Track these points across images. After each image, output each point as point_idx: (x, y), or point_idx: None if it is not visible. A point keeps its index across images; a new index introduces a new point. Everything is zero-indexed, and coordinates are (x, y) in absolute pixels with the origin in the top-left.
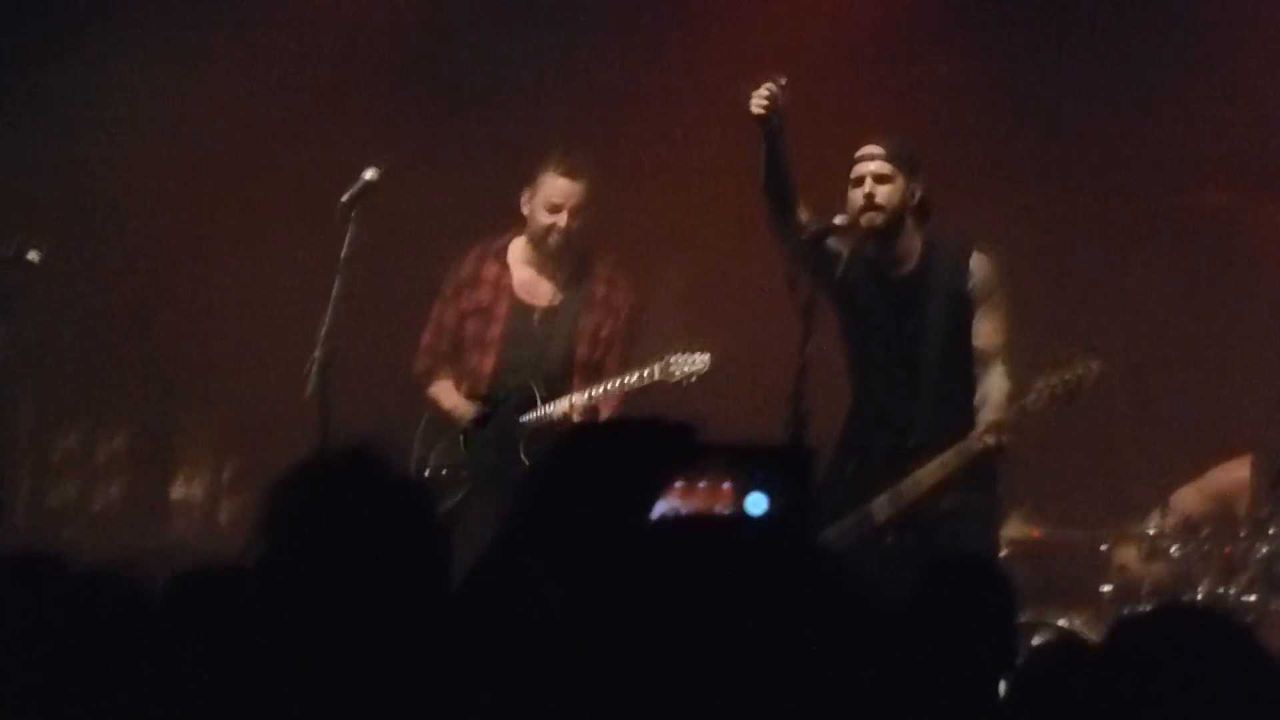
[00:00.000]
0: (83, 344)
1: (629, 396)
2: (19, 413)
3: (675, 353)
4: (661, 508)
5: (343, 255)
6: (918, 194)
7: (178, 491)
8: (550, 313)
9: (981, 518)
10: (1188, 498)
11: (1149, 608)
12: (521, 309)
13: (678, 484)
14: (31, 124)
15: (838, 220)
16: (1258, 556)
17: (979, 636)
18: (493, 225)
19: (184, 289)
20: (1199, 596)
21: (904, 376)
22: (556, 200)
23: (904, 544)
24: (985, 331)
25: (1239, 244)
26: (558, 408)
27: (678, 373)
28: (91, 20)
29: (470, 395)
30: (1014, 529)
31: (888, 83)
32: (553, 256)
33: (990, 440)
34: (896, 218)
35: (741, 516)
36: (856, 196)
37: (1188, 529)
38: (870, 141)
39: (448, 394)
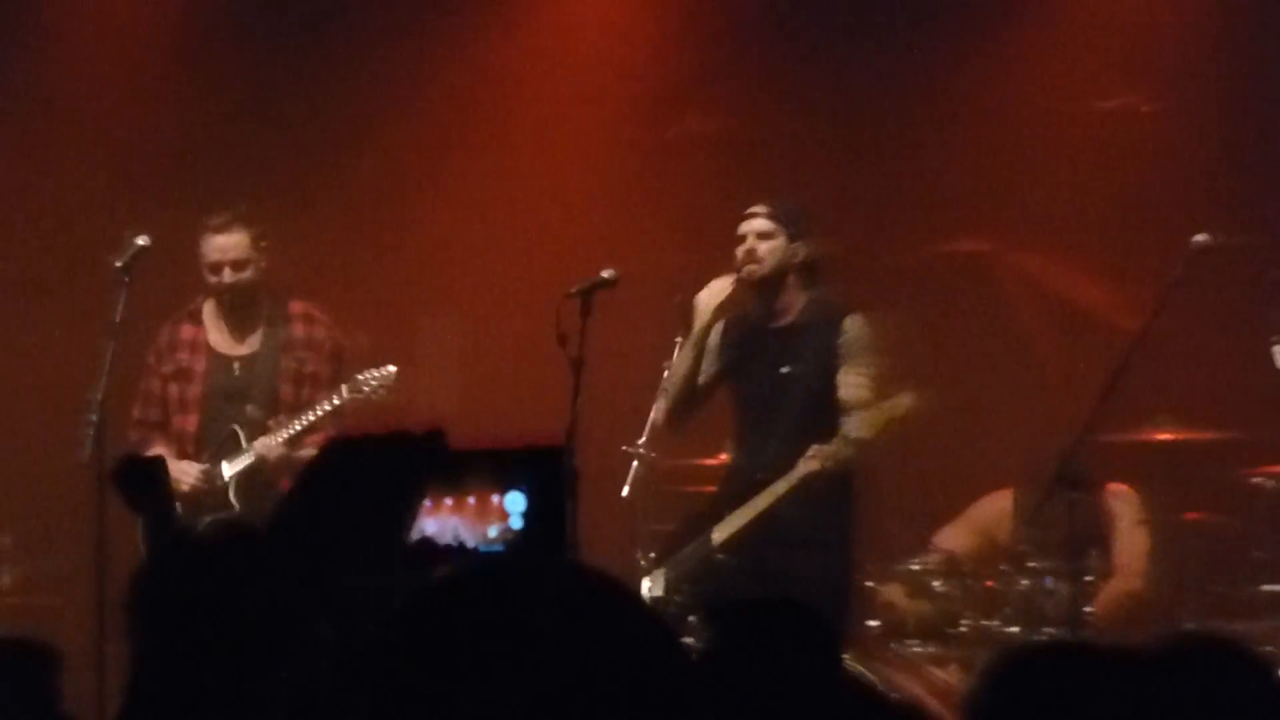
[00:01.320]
0: None
1: (340, 417)
2: None
3: (360, 372)
4: (433, 526)
5: (115, 319)
6: (800, 254)
7: None
8: (250, 360)
9: (828, 547)
10: (951, 534)
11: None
12: (221, 362)
13: (447, 501)
14: None
15: (605, 274)
16: (1018, 589)
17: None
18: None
19: None
20: (963, 630)
21: (770, 417)
22: (214, 258)
23: (743, 566)
24: (849, 383)
25: (991, 289)
26: (262, 446)
27: (365, 387)
28: None
29: (181, 457)
30: None
31: (648, 143)
32: (242, 307)
33: (813, 466)
34: (777, 272)
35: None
36: (740, 252)
37: (951, 564)
38: (758, 203)
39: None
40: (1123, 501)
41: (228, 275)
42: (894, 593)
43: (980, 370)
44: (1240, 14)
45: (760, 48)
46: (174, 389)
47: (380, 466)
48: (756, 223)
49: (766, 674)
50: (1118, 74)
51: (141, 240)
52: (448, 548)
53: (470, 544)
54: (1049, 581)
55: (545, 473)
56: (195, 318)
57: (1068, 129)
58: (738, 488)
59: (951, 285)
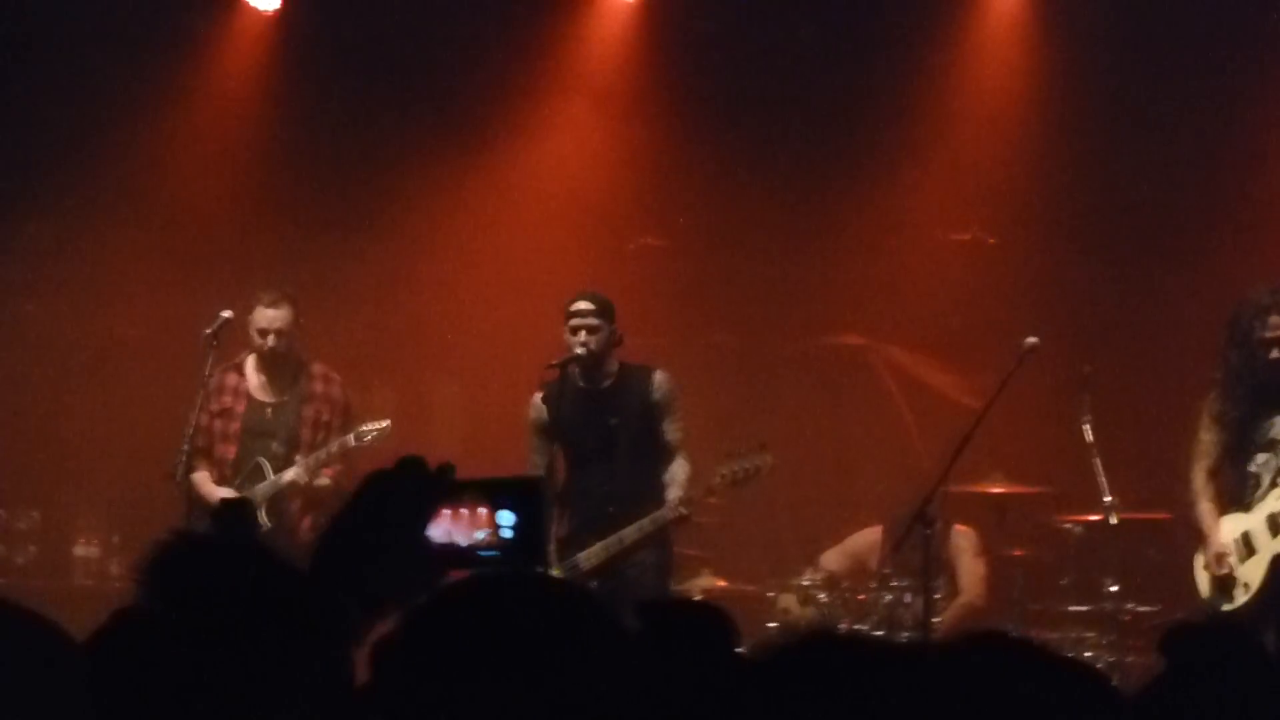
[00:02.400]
0: (6, 443)
1: (347, 457)
2: None
3: (363, 424)
4: (439, 529)
5: (205, 372)
6: (615, 334)
7: (79, 550)
8: (279, 407)
9: (660, 570)
10: (833, 557)
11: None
12: (256, 406)
13: (448, 512)
14: None
15: (579, 351)
16: (883, 602)
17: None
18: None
19: (83, 403)
20: (841, 630)
21: (604, 461)
22: (263, 325)
23: (604, 587)
24: (670, 430)
25: (868, 373)
26: (286, 476)
27: (367, 436)
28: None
29: (219, 481)
30: (705, 580)
31: (614, 251)
32: (275, 364)
33: (683, 510)
34: (603, 352)
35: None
36: (574, 340)
37: (832, 582)
38: (581, 299)
39: (204, 483)
40: (964, 538)
41: (271, 340)
42: (788, 601)
43: (858, 434)
44: (1060, 172)
45: (695, 186)
46: (218, 424)
47: (405, 490)
48: (587, 320)
49: (684, 656)
50: (970, 213)
51: (226, 314)
52: (443, 546)
53: (462, 544)
54: (907, 597)
55: (529, 496)
56: (239, 370)
57: (931, 252)
58: (588, 514)
59: (838, 369)
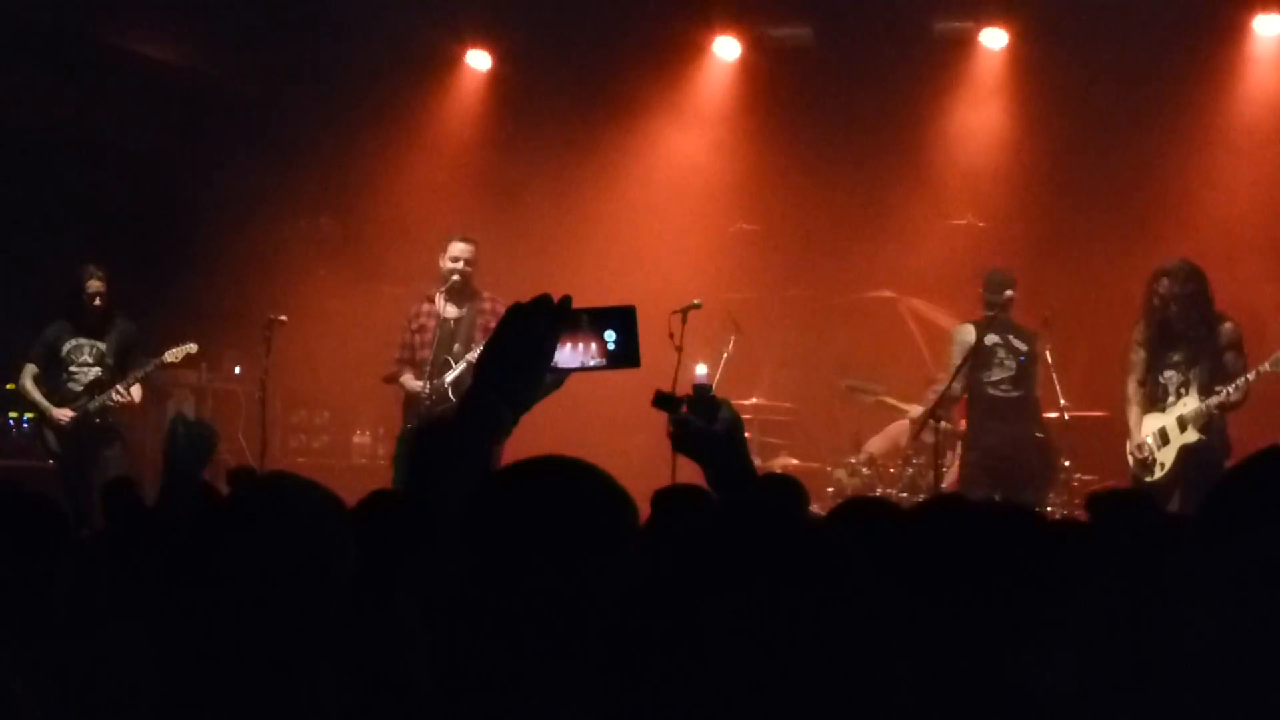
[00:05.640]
0: (305, 366)
1: None
2: (275, 400)
3: None
4: (564, 353)
5: (410, 316)
6: (987, 301)
7: (357, 438)
8: (459, 321)
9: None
10: (875, 442)
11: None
12: (443, 322)
13: (571, 342)
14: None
15: (695, 301)
16: (908, 473)
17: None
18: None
19: (357, 335)
20: (877, 495)
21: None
22: (456, 254)
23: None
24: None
25: (895, 318)
26: (463, 365)
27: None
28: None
29: (419, 378)
30: (783, 460)
31: (718, 232)
32: (458, 291)
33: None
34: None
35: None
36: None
37: (872, 459)
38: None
39: (409, 380)
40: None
41: (461, 265)
42: (840, 474)
43: (890, 357)
44: (1032, 175)
45: (777, 186)
46: (417, 338)
47: (538, 318)
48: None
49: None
50: (966, 205)
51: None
52: (567, 368)
53: (589, 364)
54: (925, 470)
55: (627, 320)
56: (431, 299)
57: (941, 233)
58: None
59: (875, 314)
